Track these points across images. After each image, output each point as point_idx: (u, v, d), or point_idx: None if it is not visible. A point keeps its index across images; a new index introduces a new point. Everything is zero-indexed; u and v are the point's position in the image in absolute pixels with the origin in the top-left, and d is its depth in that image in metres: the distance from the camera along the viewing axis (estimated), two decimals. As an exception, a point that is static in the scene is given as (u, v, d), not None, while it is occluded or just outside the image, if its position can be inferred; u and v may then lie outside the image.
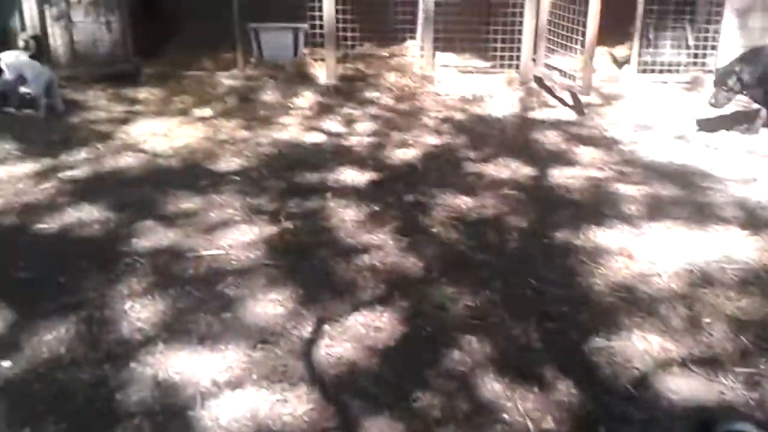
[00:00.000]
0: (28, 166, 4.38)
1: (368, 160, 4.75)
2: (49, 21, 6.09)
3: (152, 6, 7.29)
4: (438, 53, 6.90)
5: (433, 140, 5.21)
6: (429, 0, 6.52)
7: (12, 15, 6.08)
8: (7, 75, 5.30)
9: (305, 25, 6.66)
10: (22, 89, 5.42)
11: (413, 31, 7.24)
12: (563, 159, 4.80)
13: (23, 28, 5.93)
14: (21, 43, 5.51)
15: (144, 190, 4.07)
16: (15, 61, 5.34)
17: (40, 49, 5.46)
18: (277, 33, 6.72)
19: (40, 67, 5.33)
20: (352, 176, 4.42)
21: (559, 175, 4.45)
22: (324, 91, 6.27)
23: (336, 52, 6.53)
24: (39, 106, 5.34)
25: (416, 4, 6.97)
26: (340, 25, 6.60)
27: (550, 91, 6.36)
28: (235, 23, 6.32)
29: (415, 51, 7.19)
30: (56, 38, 6.17)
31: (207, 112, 5.68)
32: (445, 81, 6.62)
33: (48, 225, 3.58)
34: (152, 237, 3.46)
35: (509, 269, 3.20)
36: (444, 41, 6.83)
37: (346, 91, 6.33)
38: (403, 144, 5.10)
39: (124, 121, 5.36)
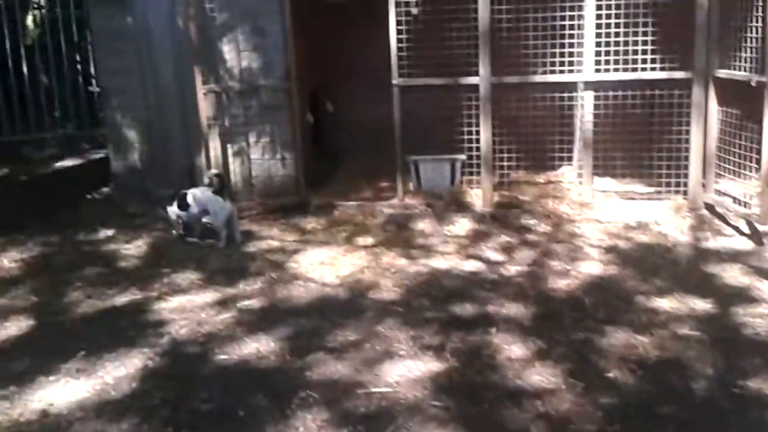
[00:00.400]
0: (210, 295, 4.71)
1: (529, 291, 4.68)
2: (230, 159, 6.73)
3: (320, 141, 7.88)
4: (596, 178, 6.81)
5: (597, 271, 5.05)
6: (586, 125, 6.53)
7: (199, 154, 6.77)
8: (194, 209, 5.86)
9: (462, 156, 6.86)
10: (205, 221, 5.94)
11: (569, 155, 7.22)
12: (745, 295, 4.46)
13: (209, 166, 6.57)
14: (206, 180, 6.08)
15: (315, 321, 4.24)
16: (201, 196, 5.89)
17: (222, 185, 5.98)
18: (435, 164, 6.96)
19: (222, 202, 5.83)
20: (514, 309, 4.36)
21: (743, 314, 4.13)
22: (480, 219, 6.33)
23: (492, 180, 6.63)
24: (220, 237, 5.81)
25: (572, 128, 6.99)
26: (497, 155, 6.73)
27: (722, 218, 6.01)
28: (397, 156, 6.64)
29: (572, 176, 7.14)
30: (236, 174, 6.77)
31: (369, 240, 5.89)
32: (606, 207, 6.47)
33: (228, 356, 3.79)
34: (324, 370, 3.55)
35: (699, 423, 2.95)
36: (603, 166, 6.75)
37: (503, 218, 6.35)
38: (566, 274, 4.99)
39: (295, 250, 5.67)
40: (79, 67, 9.18)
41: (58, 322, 4.30)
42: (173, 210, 5.90)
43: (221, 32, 6.52)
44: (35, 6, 9.45)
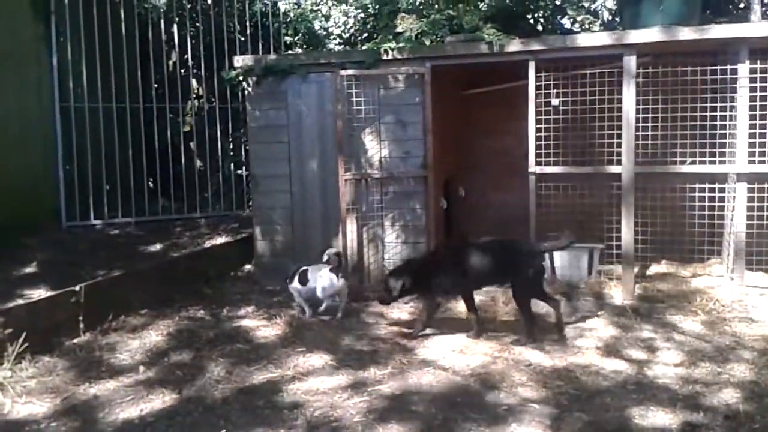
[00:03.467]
0: (342, 378, 4.75)
1: (678, 396, 4.35)
2: (365, 242, 6.92)
3: (450, 226, 7.93)
4: (748, 272, 6.34)
5: (752, 376, 4.63)
6: (738, 217, 6.15)
7: (336, 236, 7.02)
8: (312, 283, 6.13)
9: (601, 246, 6.65)
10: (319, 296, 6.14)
11: (717, 248, 6.81)
12: None
13: (345, 248, 6.80)
14: (324, 257, 6.29)
15: (446, 412, 4.14)
16: (316, 271, 6.16)
17: (339, 262, 6.18)
18: (571, 253, 6.77)
19: (334, 278, 6.03)
20: (662, 417, 4.05)
21: None
22: (621, 313, 6.04)
23: (633, 272, 6.35)
24: (335, 310, 6.09)
25: (720, 220, 6.61)
26: (639, 246, 6.46)
27: None
28: (531, 244, 6.54)
29: (721, 270, 6.70)
30: (369, 256, 6.94)
31: (500, 329, 5.75)
32: (760, 305, 5.99)
33: (360, 442, 3.77)
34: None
35: None
36: (755, 261, 6.29)
37: (645, 313, 6.02)
38: (718, 380, 4.60)
39: (425, 335, 5.63)
40: (230, 153, 9.90)
41: (199, 398, 4.47)
42: (294, 286, 6.24)
43: (364, 124, 6.87)
44: (195, 96, 10.37)
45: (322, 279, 6.07)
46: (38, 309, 5.23)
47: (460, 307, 6.32)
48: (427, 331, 5.71)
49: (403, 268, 5.81)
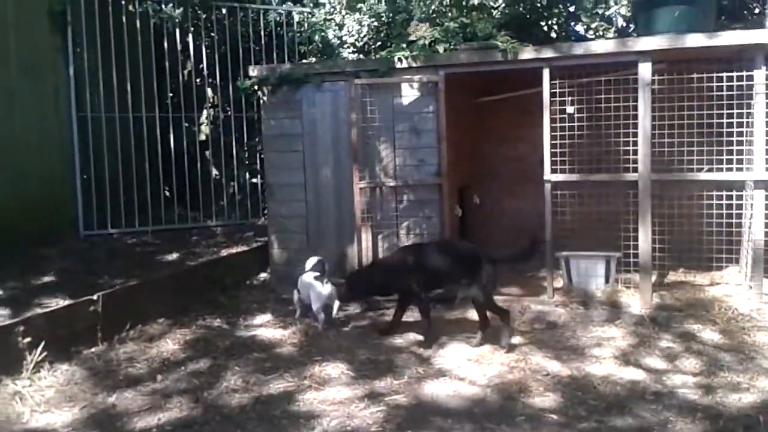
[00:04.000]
0: (359, 388, 4.74)
1: (697, 406, 4.31)
2: (380, 250, 6.93)
3: (465, 234, 7.91)
4: (765, 280, 6.28)
5: (774, 385, 4.59)
6: (756, 224, 6.09)
7: (351, 245, 7.04)
8: (303, 292, 6.23)
9: (618, 254, 6.61)
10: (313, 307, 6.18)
11: (735, 256, 6.75)
12: None
13: (360, 256, 6.81)
14: (308, 265, 6.34)
15: (463, 423, 4.13)
16: (306, 280, 6.21)
17: (323, 269, 6.22)
18: (588, 261, 6.74)
19: (321, 286, 6.04)
20: (681, 427, 4.02)
21: None
22: (639, 322, 6.00)
23: (650, 280, 6.31)
24: (318, 319, 6.08)
25: (738, 228, 6.55)
26: (656, 254, 6.42)
27: None
28: (547, 252, 6.51)
29: (739, 278, 6.64)
30: (385, 264, 6.93)
31: (517, 338, 5.73)
32: (780, 314, 5.93)
33: (378, 453, 3.76)
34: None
35: None
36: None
37: (663, 321, 5.98)
38: (737, 388, 4.57)
39: (441, 344, 5.63)
40: (245, 162, 9.95)
41: (216, 407, 4.49)
42: (295, 293, 6.37)
43: (379, 132, 6.90)
44: (210, 105, 10.44)
45: (312, 289, 6.11)
46: (56, 318, 5.28)
47: (472, 317, 6.31)
48: (443, 340, 5.71)
49: (364, 270, 6.22)
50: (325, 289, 6.05)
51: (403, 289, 5.85)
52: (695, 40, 5.99)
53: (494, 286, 5.66)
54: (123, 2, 8.68)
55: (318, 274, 6.18)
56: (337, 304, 6.15)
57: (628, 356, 5.28)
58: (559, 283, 6.88)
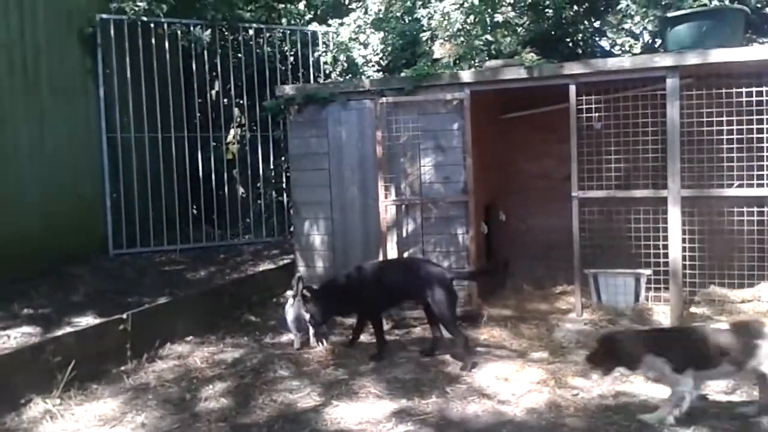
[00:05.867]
0: (387, 405, 4.72)
1: (731, 425, 4.22)
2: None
3: (491, 250, 7.87)
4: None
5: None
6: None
7: (377, 256, 7.03)
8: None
9: (647, 271, 6.52)
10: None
11: (766, 273, 6.62)
12: None
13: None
14: (293, 283, 6.39)
15: (492, 444, 4.09)
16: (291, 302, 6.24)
17: (298, 288, 6.22)
18: (618, 278, 6.66)
19: (288, 304, 6.16)
20: (713, 446, 3.94)
21: None
22: (669, 339, 5.90)
23: (681, 297, 6.21)
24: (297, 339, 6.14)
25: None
26: (686, 271, 6.32)
27: None
28: (575, 269, 6.45)
29: (771, 295, 6.52)
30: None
31: (545, 357, 5.67)
32: (817, 332, 5.78)
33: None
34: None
35: None
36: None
37: (695, 339, 5.87)
38: None
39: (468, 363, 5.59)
40: (272, 180, 10.01)
41: (244, 425, 4.50)
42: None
43: (404, 150, 6.91)
44: (237, 125, 10.55)
45: (286, 308, 6.22)
46: (86, 337, 5.34)
47: (500, 335, 6.27)
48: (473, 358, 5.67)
49: (320, 292, 6.11)
50: (292, 307, 6.11)
51: (360, 307, 5.98)
52: (723, 54, 5.93)
53: (451, 303, 5.67)
54: (152, 25, 8.84)
55: (293, 292, 6.23)
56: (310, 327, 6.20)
57: (659, 375, 5.18)
58: (587, 300, 6.80)
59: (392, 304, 6.15)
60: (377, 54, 10.09)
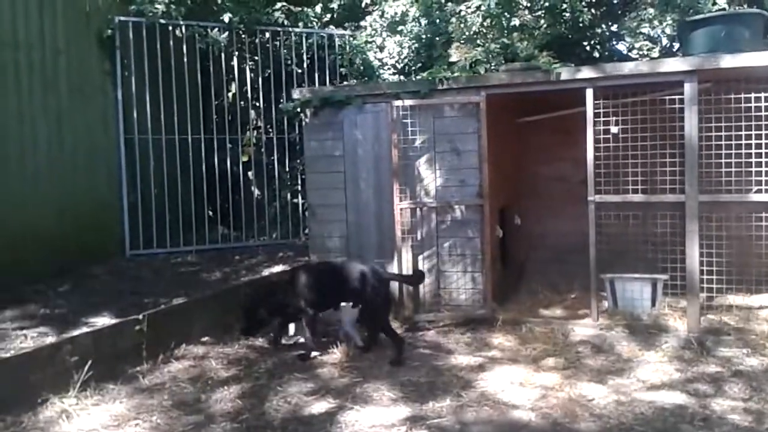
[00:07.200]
0: (400, 410, 4.72)
1: (747, 433, 4.19)
2: (422, 269, 6.90)
3: (506, 254, 7.85)
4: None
5: (831, 418, 4.41)
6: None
7: (391, 264, 7.03)
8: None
9: (664, 276, 6.47)
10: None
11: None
12: None
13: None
14: None
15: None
16: None
17: None
18: (634, 284, 6.61)
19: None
20: (733, 454, 3.90)
21: None
22: (686, 345, 5.86)
23: (698, 303, 6.15)
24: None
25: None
26: (704, 276, 6.26)
27: None
28: (591, 274, 6.41)
29: (791, 302, 6.44)
30: (424, 284, 6.90)
31: (560, 362, 5.64)
32: (837, 340, 5.72)
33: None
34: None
35: None
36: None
37: (711, 346, 5.82)
38: (790, 416, 4.41)
39: (481, 367, 5.57)
40: (287, 182, 10.05)
41: (258, 427, 4.51)
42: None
43: (420, 153, 6.91)
44: (253, 127, 10.60)
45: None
46: (103, 337, 5.38)
47: (514, 339, 6.25)
48: (485, 362, 5.64)
49: (257, 297, 6.31)
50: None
51: (294, 307, 6.10)
52: (742, 59, 5.88)
53: (385, 305, 6.01)
54: (170, 27, 8.90)
55: None
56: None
57: (674, 381, 5.15)
58: (603, 305, 6.75)
59: (328, 304, 6.25)
60: (393, 57, 10.10)
